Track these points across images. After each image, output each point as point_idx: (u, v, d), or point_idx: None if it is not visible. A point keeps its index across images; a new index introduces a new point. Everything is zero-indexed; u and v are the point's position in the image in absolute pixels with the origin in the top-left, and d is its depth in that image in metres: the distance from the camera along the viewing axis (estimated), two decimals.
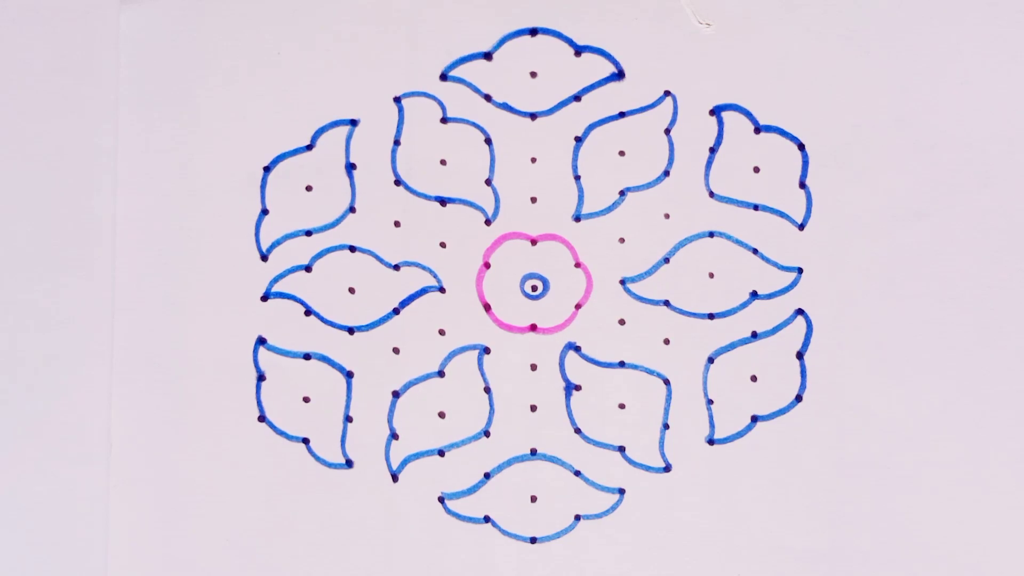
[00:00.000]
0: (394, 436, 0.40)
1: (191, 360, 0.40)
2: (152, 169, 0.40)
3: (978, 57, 0.40)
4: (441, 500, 0.40)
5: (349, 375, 0.40)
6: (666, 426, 0.40)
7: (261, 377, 0.40)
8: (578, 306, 0.40)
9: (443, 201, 0.40)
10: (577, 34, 0.40)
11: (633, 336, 0.40)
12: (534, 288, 0.40)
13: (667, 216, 0.40)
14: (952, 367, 0.40)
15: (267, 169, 0.40)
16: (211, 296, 0.40)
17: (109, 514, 0.40)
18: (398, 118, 0.40)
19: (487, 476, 0.40)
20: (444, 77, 0.40)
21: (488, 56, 0.40)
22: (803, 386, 0.40)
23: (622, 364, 0.40)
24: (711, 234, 0.40)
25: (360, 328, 0.40)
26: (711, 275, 0.40)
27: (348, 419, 0.40)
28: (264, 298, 0.40)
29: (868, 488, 0.40)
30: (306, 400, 0.40)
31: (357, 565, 0.40)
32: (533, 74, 0.40)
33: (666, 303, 0.40)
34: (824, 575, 0.40)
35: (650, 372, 0.40)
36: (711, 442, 0.40)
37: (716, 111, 0.40)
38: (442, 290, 0.40)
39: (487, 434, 0.40)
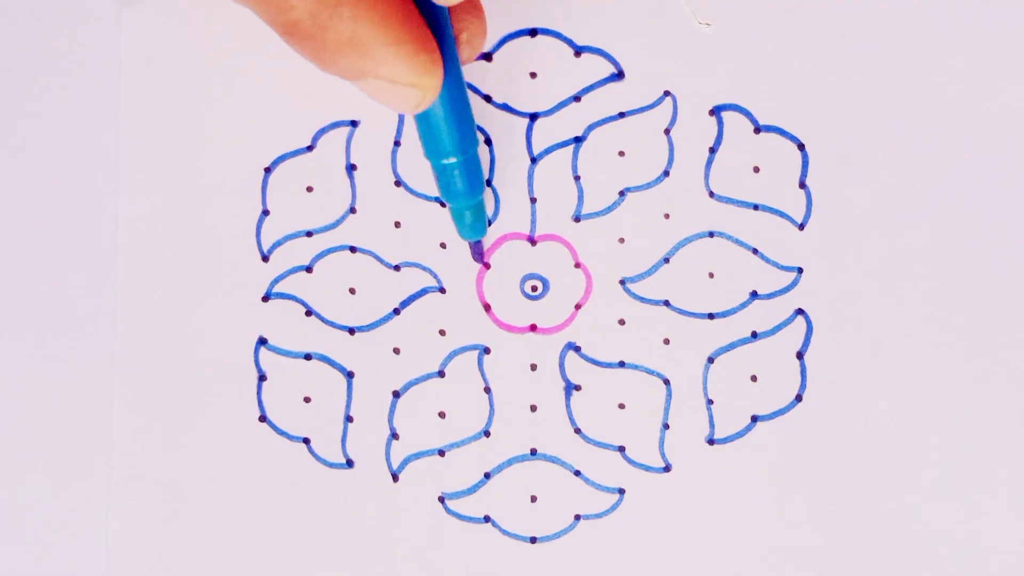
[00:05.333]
0: (394, 436, 0.40)
1: (192, 360, 0.40)
2: (153, 170, 0.40)
3: (978, 57, 0.40)
4: (441, 500, 0.40)
5: (350, 375, 0.40)
6: (666, 426, 0.40)
7: (262, 377, 0.40)
8: (578, 306, 0.40)
9: (443, 202, 0.40)
10: (577, 34, 0.40)
11: (633, 336, 0.40)
12: (534, 288, 0.40)
13: (667, 216, 0.40)
14: (952, 367, 0.40)
15: (268, 170, 0.40)
16: (212, 296, 0.40)
17: (109, 514, 0.40)
18: (398, 119, 0.40)
19: (487, 476, 0.40)
20: None
21: (488, 57, 0.40)
22: (803, 386, 0.40)
23: (622, 364, 0.40)
24: (711, 234, 0.40)
25: (361, 328, 0.40)
26: (711, 275, 0.40)
27: (349, 419, 0.40)
28: (265, 298, 0.40)
29: (868, 488, 0.40)
30: (307, 400, 0.40)
31: (357, 565, 0.40)
32: (533, 75, 0.40)
33: (666, 303, 0.40)
34: (824, 575, 0.40)
35: (650, 372, 0.40)
36: (711, 442, 0.40)
37: (716, 111, 0.40)
38: (442, 290, 0.40)
39: (487, 434, 0.40)
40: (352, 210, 0.40)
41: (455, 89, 0.34)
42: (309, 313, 0.40)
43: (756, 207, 0.40)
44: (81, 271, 0.40)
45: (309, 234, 0.40)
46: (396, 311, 0.40)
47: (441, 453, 0.40)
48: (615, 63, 0.40)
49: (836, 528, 0.40)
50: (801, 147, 0.40)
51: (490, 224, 0.40)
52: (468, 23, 0.35)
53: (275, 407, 0.40)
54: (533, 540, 0.40)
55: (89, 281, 0.40)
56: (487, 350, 0.40)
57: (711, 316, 0.40)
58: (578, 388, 0.40)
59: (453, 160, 0.36)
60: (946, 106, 0.40)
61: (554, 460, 0.40)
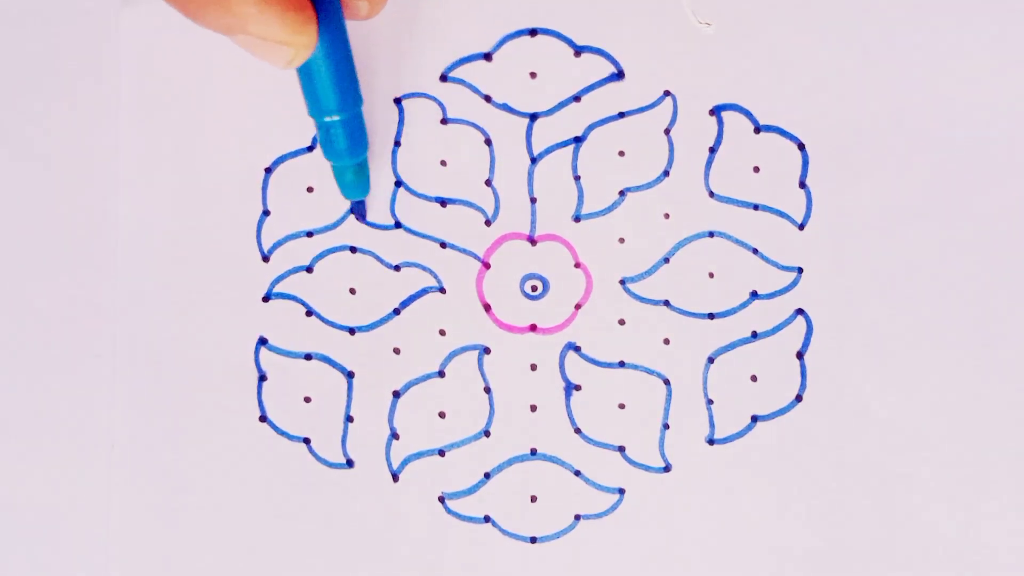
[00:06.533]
0: (394, 436, 0.40)
1: (192, 360, 0.40)
2: (153, 170, 0.40)
3: (978, 57, 0.40)
4: (441, 500, 0.40)
5: (350, 375, 0.40)
6: (666, 426, 0.40)
7: (262, 377, 0.40)
8: (578, 306, 0.40)
9: (443, 202, 0.40)
10: (577, 34, 0.40)
11: (633, 336, 0.40)
12: (534, 288, 0.40)
13: (667, 216, 0.40)
14: (952, 367, 0.40)
15: (268, 170, 0.40)
16: (212, 296, 0.40)
17: (109, 514, 0.40)
18: (398, 119, 0.40)
19: (487, 476, 0.40)
20: (444, 78, 0.40)
21: (488, 57, 0.40)
22: (803, 386, 0.40)
23: (622, 364, 0.40)
24: (711, 234, 0.40)
25: (361, 328, 0.40)
26: (711, 275, 0.40)
27: (349, 419, 0.40)
28: (265, 299, 0.40)
29: (868, 488, 0.40)
30: (307, 400, 0.40)
31: (357, 565, 0.40)
32: (533, 74, 0.40)
33: (666, 303, 0.40)
34: (824, 575, 0.40)
35: (650, 372, 0.40)
36: (711, 442, 0.40)
37: (716, 111, 0.40)
38: (442, 290, 0.40)
39: (487, 434, 0.40)
40: (352, 210, 0.40)
41: (336, 46, 0.35)
42: (309, 313, 0.40)
43: (756, 207, 0.40)
44: (81, 271, 0.40)
45: (309, 234, 0.40)
46: (396, 311, 0.40)
47: (441, 453, 0.40)
48: (615, 63, 0.40)
49: (836, 528, 0.40)
50: (801, 147, 0.40)
51: (490, 224, 0.40)
52: None
53: (275, 407, 0.40)
54: (533, 540, 0.40)
55: (89, 281, 0.40)
56: (487, 350, 0.40)
57: (711, 316, 0.40)
58: (578, 388, 0.40)
59: (335, 118, 0.36)
60: (946, 106, 0.40)
61: (554, 460, 0.40)
